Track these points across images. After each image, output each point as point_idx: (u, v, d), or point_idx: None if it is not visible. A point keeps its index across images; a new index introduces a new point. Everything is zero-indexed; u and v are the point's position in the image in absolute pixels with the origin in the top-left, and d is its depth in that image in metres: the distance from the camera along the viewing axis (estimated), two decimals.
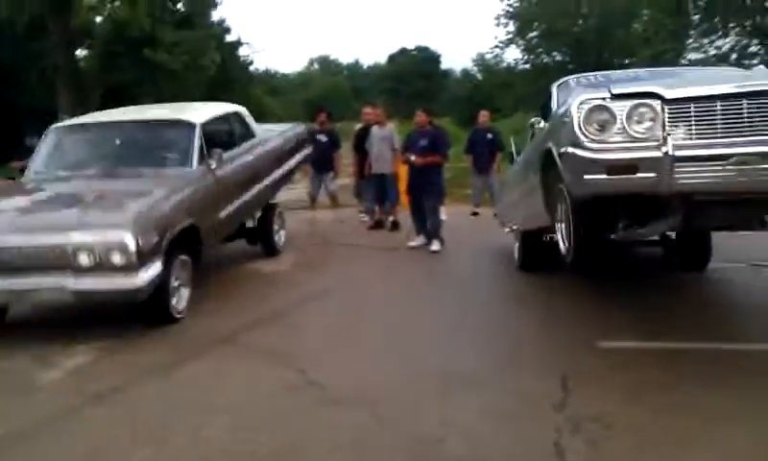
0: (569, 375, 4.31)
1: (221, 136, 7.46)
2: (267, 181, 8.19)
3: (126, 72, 26.09)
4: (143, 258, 5.25)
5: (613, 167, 3.83)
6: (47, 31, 24.61)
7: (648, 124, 3.81)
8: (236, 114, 8.33)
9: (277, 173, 8.59)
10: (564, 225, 4.73)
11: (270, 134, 8.86)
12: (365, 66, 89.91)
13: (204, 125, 6.94)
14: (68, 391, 4.48)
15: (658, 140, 3.77)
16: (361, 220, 11.08)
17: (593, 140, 3.86)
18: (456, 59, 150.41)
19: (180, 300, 5.92)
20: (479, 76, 50.46)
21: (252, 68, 39.77)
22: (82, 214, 5.52)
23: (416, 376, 4.42)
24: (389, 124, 10.68)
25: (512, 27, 38.46)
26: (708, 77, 4.51)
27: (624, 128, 3.82)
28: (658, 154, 3.74)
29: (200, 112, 7.43)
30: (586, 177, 3.94)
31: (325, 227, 10.79)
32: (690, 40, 26.85)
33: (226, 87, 29.50)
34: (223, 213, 6.84)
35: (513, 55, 41.19)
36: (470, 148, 12.12)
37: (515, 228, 7.47)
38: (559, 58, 38.86)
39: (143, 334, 5.54)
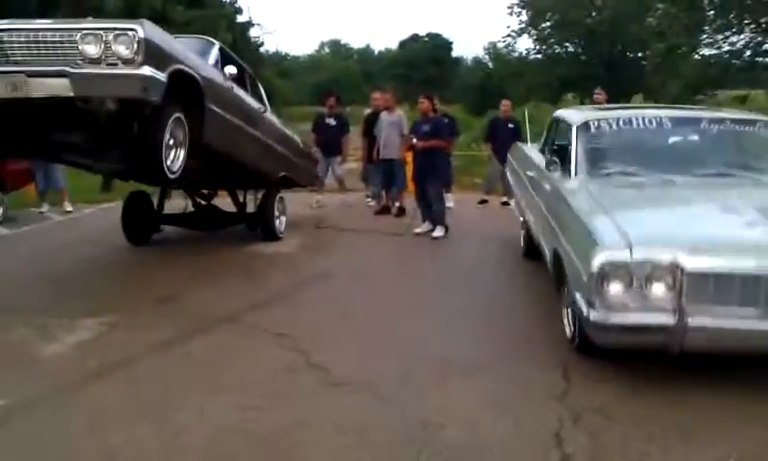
0: (571, 365, 4.30)
1: (236, 71, 7.48)
2: (267, 141, 8.20)
3: None
4: (148, 56, 5.16)
5: (626, 329, 3.86)
6: (59, 7, 24.62)
7: (665, 290, 3.78)
8: (252, 77, 8.53)
9: (278, 149, 8.56)
10: (569, 311, 4.69)
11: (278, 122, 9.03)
12: (376, 51, 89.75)
13: (222, 49, 7.38)
14: (69, 365, 4.49)
15: (673, 307, 3.75)
16: (367, 205, 11.07)
17: (607, 302, 3.84)
18: (468, 46, 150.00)
19: (176, 160, 5.86)
20: (490, 64, 50.24)
21: (262, 50, 39.70)
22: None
23: (417, 362, 4.42)
24: (398, 110, 10.64)
25: (525, 16, 38.37)
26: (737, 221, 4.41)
27: (641, 290, 3.80)
28: (671, 321, 3.74)
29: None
30: (597, 333, 3.99)
31: (332, 210, 10.78)
32: (704, 36, 26.62)
33: None
34: (225, 113, 6.81)
35: (525, 44, 41.08)
36: (491, 136, 11.95)
37: (522, 219, 7.43)
38: (571, 49, 38.74)
39: (146, 311, 5.55)
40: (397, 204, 10.27)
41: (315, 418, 3.67)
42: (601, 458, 3.26)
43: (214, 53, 7.15)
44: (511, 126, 11.42)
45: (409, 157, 9.60)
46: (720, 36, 26.05)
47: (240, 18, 34.61)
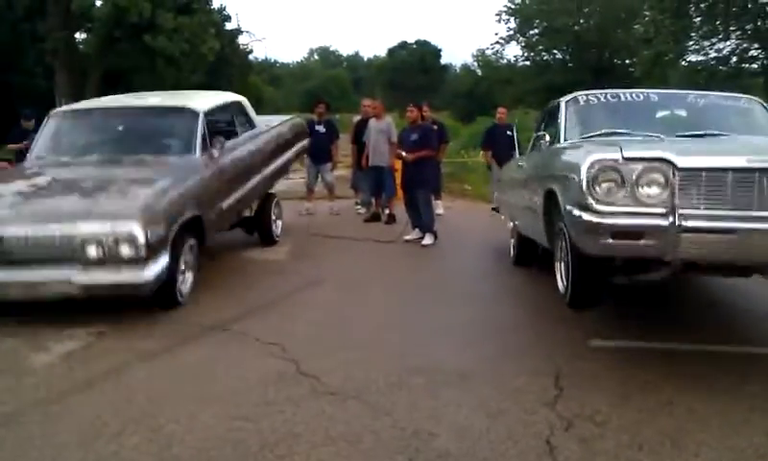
0: (562, 373, 4.30)
1: (223, 126, 7.46)
2: (266, 171, 8.21)
3: (125, 57, 25.99)
4: (151, 250, 5.23)
5: (619, 233, 3.81)
6: (46, 13, 24.51)
7: (657, 190, 3.78)
8: (238, 104, 8.39)
9: (276, 163, 8.62)
10: (562, 265, 4.70)
11: (269, 126, 8.88)
12: (365, 59, 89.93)
13: (207, 113, 6.97)
14: (59, 376, 4.45)
15: (666, 208, 3.74)
16: (357, 212, 11.07)
17: (600, 202, 3.84)
18: (456, 53, 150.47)
19: (185, 283, 5.95)
20: (479, 71, 50.42)
21: (251, 57, 39.68)
22: (88, 203, 5.49)
23: (408, 371, 4.40)
24: (387, 117, 10.65)
25: (513, 23, 38.56)
26: (724, 143, 4.47)
27: (633, 192, 3.79)
28: (664, 223, 3.72)
29: (203, 101, 7.45)
30: (590, 239, 3.95)
31: (321, 218, 10.76)
32: (691, 42, 26.83)
33: (225, 76, 29.47)
34: (225, 203, 6.83)
35: (513, 51, 41.26)
36: (489, 144, 11.93)
37: (512, 224, 7.44)
38: (559, 56, 38.96)
39: (136, 321, 5.51)
40: (387, 211, 10.27)
41: (306, 427, 3.65)
42: None
43: (199, 130, 6.70)
44: (509, 133, 11.37)
45: (398, 164, 9.62)
46: (707, 43, 26.29)
47: (229, 26, 34.55)
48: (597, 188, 3.85)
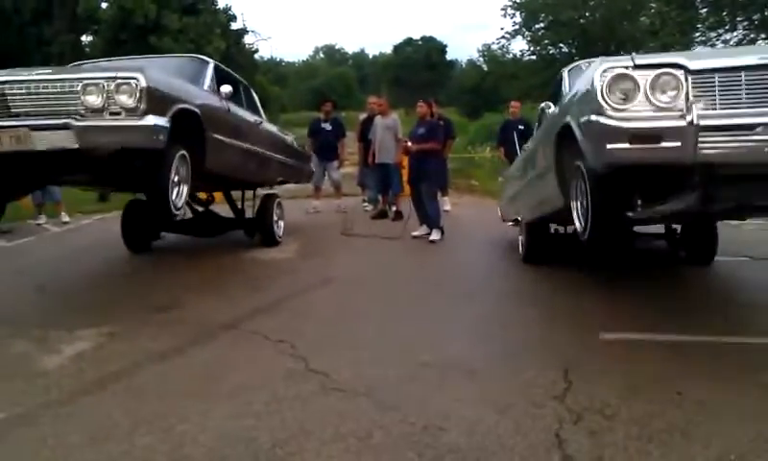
0: (571, 366, 4.30)
1: (232, 88, 7.52)
2: (264, 152, 8.26)
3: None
4: (151, 104, 5.21)
5: (636, 136, 3.78)
6: (52, 16, 24.63)
7: (671, 93, 3.77)
8: (247, 87, 8.59)
9: (275, 157, 8.62)
10: (580, 203, 4.66)
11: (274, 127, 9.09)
12: (370, 56, 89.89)
13: (217, 67, 7.39)
14: (69, 377, 4.48)
15: (681, 110, 3.73)
16: (364, 209, 11.09)
17: (616, 108, 3.82)
18: (462, 49, 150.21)
19: (180, 196, 5.93)
20: (485, 67, 50.29)
21: (257, 56, 39.73)
22: (96, 69, 5.67)
23: (417, 366, 4.42)
24: (393, 114, 10.66)
25: (518, 18, 38.44)
26: (733, 49, 4.53)
27: (647, 97, 3.78)
28: (682, 123, 3.70)
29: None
30: (608, 146, 3.88)
31: (329, 215, 10.78)
32: (698, 34, 26.69)
33: None
34: (224, 138, 6.85)
35: (519, 46, 41.13)
36: (502, 140, 11.81)
37: (519, 219, 7.43)
38: (565, 49, 38.80)
39: (145, 321, 5.54)
40: (394, 207, 10.28)
41: (315, 424, 3.67)
42: (602, 458, 3.25)
43: (209, 73, 7.14)
44: (521, 127, 11.28)
45: (405, 160, 9.62)
46: (713, 34, 26.15)
47: (234, 25, 34.64)
48: (611, 95, 3.85)
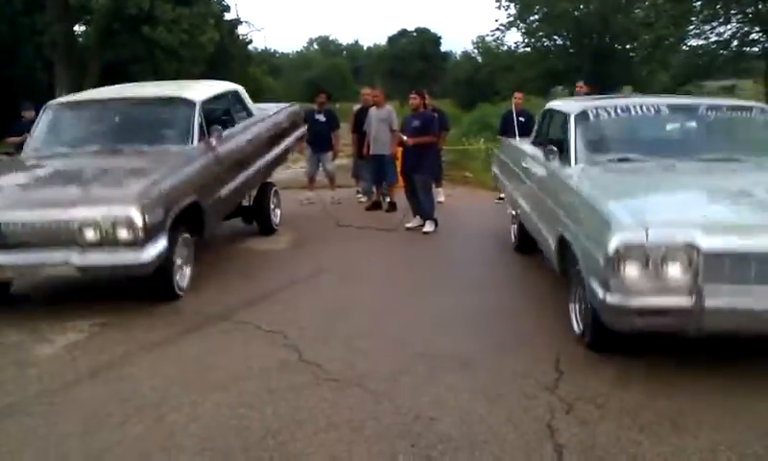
0: (562, 357, 4.33)
1: (220, 115, 7.44)
2: (264, 160, 8.21)
3: (124, 49, 25.92)
4: (149, 234, 5.24)
5: (644, 312, 3.82)
6: (45, 6, 24.45)
7: (681, 271, 3.76)
8: (234, 93, 8.36)
9: (274, 151, 8.61)
10: (578, 307, 4.67)
11: (265, 114, 8.87)
12: (365, 47, 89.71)
13: (203, 103, 6.96)
14: (62, 367, 4.48)
15: (690, 287, 3.74)
16: (358, 200, 11.06)
17: (624, 284, 3.81)
18: (456, 41, 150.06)
19: (183, 277, 5.97)
20: (479, 58, 50.26)
21: (250, 47, 39.59)
22: (86, 190, 5.49)
23: (410, 357, 4.43)
24: (387, 105, 10.62)
25: (513, 10, 38.38)
26: (747, 202, 4.34)
27: (657, 272, 3.77)
28: (689, 303, 3.72)
29: (199, 90, 7.43)
30: (615, 318, 3.95)
31: (323, 207, 10.76)
32: (692, 27, 26.73)
33: (224, 66, 29.42)
34: (223, 191, 6.83)
35: (513, 38, 41.07)
36: (504, 130, 11.75)
37: (514, 212, 7.41)
38: (560, 42, 38.80)
39: (138, 311, 5.54)
40: (388, 199, 10.27)
41: (308, 414, 3.68)
42: (594, 448, 3.27)
43: (196, 119, 6.70)
44: (522, 119, 11.20)
45: (399, 152, 9.60)
46: (707, 27, 26.19)
47: (228, 16, 34.49)
48: (622, 269, 3.82)
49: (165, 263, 5.52)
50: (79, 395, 4.04)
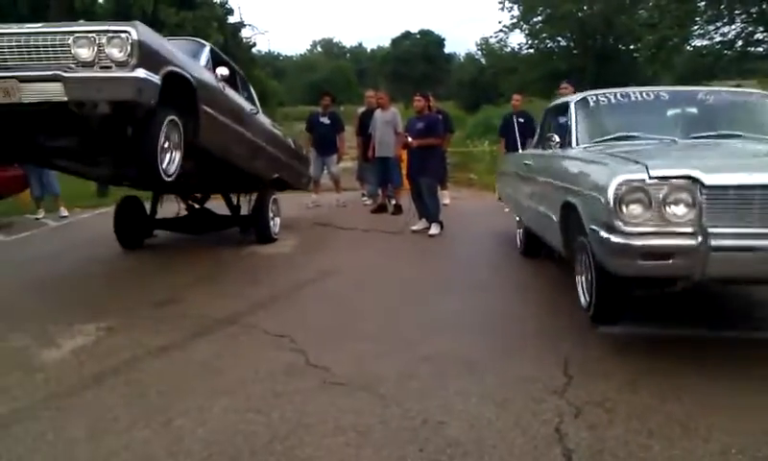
0: (571, 361, 4.30)
1: (228, 74, 7.47)
2: (260, 143, 8.18)
3: None
4: (143, 60, 5.13)
5: (647, 254, 3.78)
6: (49, 9, 24.53)
7: (685, 209, 3.73)
8: (244, 79, 8.57)
9: (270, 151, 8.53)
10: (584, 278, 4.64)
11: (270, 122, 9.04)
12: (368, 50, 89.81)
13: (213, 51, 7.40)
14: (69, 371, 4.47)
15: (694, 227, 3.71)
16: (364, 203, 11.07)
17: (628, 224, 3.79)
18: (460, 43, 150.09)
19: (171, 163, 5.82)
20: (483, 60, 50.24)
21: (254, 50, 39.63)
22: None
23: (417, 360, 4.41)
24: (392, 108, 10.63)
25: (516, 11, 38.41)
26: (750, 155, 4.39)
27: (660, 211, 3.75)
28: (693, 242, 3.69)
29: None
30: (618, 261, 3.92)
31: (328, 209, 10.76)
32: (696, 27, 26.67)
33: None
34: (219, 115, 6.78)
35: (517, 39, 41.10)
36: (503, 132, 11.77)
37: (519, 218, 7.40)
38: (563, 43, 38.79)
39: (145, 315, 5.54)
40: (394, 202, 10.27)
41: (316, 418, 3.67)
42: (603, 453, 3.25)
43: (205, 54, 7.15)
44: (522, 120, 11.20)
45: (404, 154, 9.60)
46: (711, 27, 26.13)
47: (231, 19, 34.52)
48: (624, 209, 3.80)
49: (150, 132, 5.43)
50: (86, 399, 4.03)
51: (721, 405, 3.66)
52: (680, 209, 3.75)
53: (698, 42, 27.19)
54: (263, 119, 8.58)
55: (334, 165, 11.46)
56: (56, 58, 5.08)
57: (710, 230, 3.69)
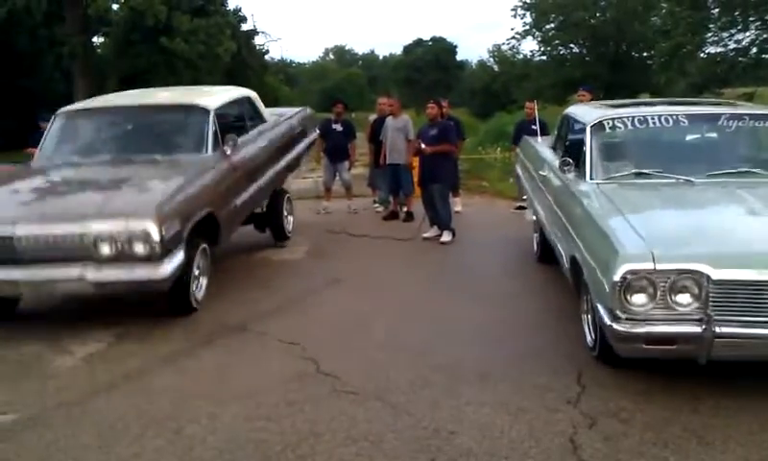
0: (585, 370, 4.26)
1: (233, 121, 7.40)
2: (278, 166, 8.15)
3: (142, 60, 26.16)
4: (166, 247, 5.15)
5: (651, 340, 3.75)
6: (64, 18, 24.74)
7: (690, 299, 3.69)
8: (247, 99, 8.31)
9: (287, 157, 8.55)
10: (589, 317, 4.59)
11: (278, 119, 8.87)
12: (380, 57, 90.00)
13: (217, 110, 6.89)
14: (81, 379, 4.48)
15: (699, 315, 3.67)
16: (375, 210, 11.04)
17: (632, 312, 3.74)
18: (472, 50, 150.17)
19: (200, 289, 5.90)
20: (495, 67, 50.17)
21: (267, 57, 39.77)
22: (101, 202, 5.37)
23: (429, 369, 4.39)
24: (404, 115, 10.61)
25: (528, 18, 38.32)
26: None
27: (665, 300, 3.70)
28: (698, 329, 3.64)
29: (213, 97, 7.35)
30: (622, 345, 3.90)
31: (339, 216, 10.75)
32: (709, 34, 26.52)
33: (241, 76, 29.57)
34: (238, 200, 6.76)
35: (529, 46, 40.98)
36: (517, 139, 11.68)
37: (535, 218, 7.31)
38: (576, 50, 38.68)
39: (156, 323, 5.53)
40: (405, 209, 10.24)
41: (327, 427, 3.65)
42: None
43: (210, 127, 6.64)
44: (534, 127, 11.08)
45: (416, 161, 9.58)
46: (725, 34, 25.94)
47: (245, 27, 34.69)
48: (628, 297, 3.75)
49: (182, 276, 5.45)
50: (97, 407, 4.04)
51: (738, 417, 3.62)
52: (685, 299, 3.71)
53: (712, 49, 27.01)
54: (271, 132, 8.40)
55: (346, 172, 11.44)
56: (80, 251, 5.08)
57: (716, 317, 3.64)
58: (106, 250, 5.06)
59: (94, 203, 5.40)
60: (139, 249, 5.07)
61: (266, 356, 4.77)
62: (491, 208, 11.54)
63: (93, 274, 5.07)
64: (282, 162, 8.37)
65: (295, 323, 5.51)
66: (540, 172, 6.68)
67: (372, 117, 11.75)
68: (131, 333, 5.30)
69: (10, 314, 5.83)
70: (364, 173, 12.53)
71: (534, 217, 7.34)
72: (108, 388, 4.29)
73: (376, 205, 11.29)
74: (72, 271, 5.10)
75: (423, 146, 8.68)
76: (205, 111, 6.74)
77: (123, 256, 5.08)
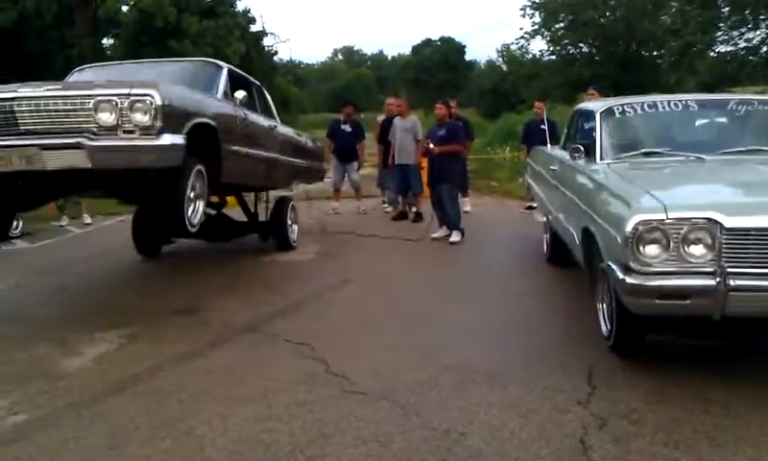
0: (595, 371, 4.24)
1: (246, 94, 7.46)
2: (280, 158, 8.16)
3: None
4: (167, 123, 5.02)
5: (665, 294, 3.71)
6: (74, 20, 24.87)
7: (704, 250, 3.65)
8: (260, 89, 8.48)
9: (289, 162, 8.54)
10: (605, 306, 4.57)
11: (288, 129, 9.02)
12: (389, 57, 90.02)
13: (230, 70, 7.24)
14: (90, 379, 4.49)
15: (712, 267, 3.62)
16: (384, 211, 11.06)
17: (644, 264, 3.71)
18: (480, 50, 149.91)
19: (195, 214, 5.75)
20: (504, 67, 50.10)
21: (276, 59, 39.79)
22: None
23: (438, 370, 4.37)
24: (412, 115, 10.62)
25: (537, 18, 38.25)
26: None
27: (678, 252, 3.67)
28: (711, 282, 3.60)
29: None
30: (634, 300, 3.85)
31: (348, 217, 10.76)
32: (719, 33, 26.38)
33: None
34: (240, 148, 6.71)
35: (538, 46, 40.85)
36: (526, 139, 11.69)
37: (545, 219, 7.29)
38: (585, 49, 38.57)
39: (166, 322, 5.55)
40: (414, 209, 10.25)
41: (336, 427, 3.64)
42: None
43: (223, 79, 6.92)
44: (543, 127, 11.08)
45: (424, 162, 9.58)
46: (736, 33, 25.81)
47: (253, 28, 34.73)
48: (641, 249, 3.72)
49: (176, 186, 5.36)
50: (107, 408, 4.04)
51: (749, 418, 3.58)
52: (698, 250, 3.66)
53: (722, 48, 26.88)
54: (281, 131, 8.48)
55: (355, 172, 11.46)
56: (77, 122, 4.94)
57: (730, 269, 3.61)
58: (106, 117, 4.89)
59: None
60: (139, 117, 4.93)
61: (276, 357, 4.77)
62: (500, 208, 11.54)
63: (91, 141, 4.87)
64: (285, 159, 8.35)
65: (304, 323, 5.51)
66: (551, 167, 6.66)
67: (381, 118, 11.76)
68: (141, 334, 5.32)
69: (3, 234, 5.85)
70: (373, 173, 12.55)
71: (544, 218, 7.32)
72: (119, 389, 4.29)
73: (385, 205, 11.31)
74: (68, 140, 4.91)
75: (432, 146, 8.69)
76: (219, 67, 7.24)
77: (122, 125, 4.92)
